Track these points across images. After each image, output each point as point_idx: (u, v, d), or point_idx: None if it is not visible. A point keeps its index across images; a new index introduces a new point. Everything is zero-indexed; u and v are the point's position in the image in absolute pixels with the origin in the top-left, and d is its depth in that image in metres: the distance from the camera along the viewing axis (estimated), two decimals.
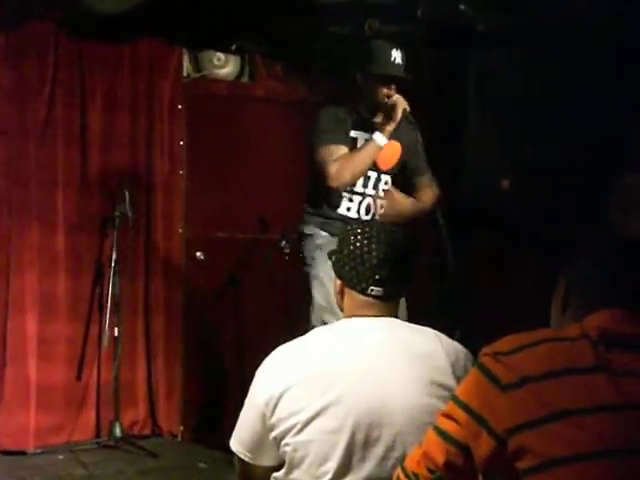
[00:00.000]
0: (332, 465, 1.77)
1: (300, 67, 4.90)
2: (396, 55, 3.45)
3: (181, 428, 4.58)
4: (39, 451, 4.17)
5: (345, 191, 3.51)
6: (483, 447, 1.38)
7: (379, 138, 3.45)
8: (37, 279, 4.21)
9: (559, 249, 1.62)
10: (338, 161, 3.41)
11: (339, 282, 1.97)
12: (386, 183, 3.62)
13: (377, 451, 1.77)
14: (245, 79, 4.95)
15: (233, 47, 4.78)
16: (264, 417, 1.83)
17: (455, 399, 1.45)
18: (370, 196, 3.58)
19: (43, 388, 4.21)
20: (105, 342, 4.16)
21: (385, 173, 3.61)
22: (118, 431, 4.24)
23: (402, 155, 3.60)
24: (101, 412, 4.39)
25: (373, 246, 1.90)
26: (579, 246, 1.55)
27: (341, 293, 1.97)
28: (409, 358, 1.83)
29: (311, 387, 1.79)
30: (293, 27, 4.29)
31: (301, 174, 4.93)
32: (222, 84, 4.85)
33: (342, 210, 3.54)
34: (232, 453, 1.96)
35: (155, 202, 4.58)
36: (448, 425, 1.44)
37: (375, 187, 3.59)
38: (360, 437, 1.77)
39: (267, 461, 1.89)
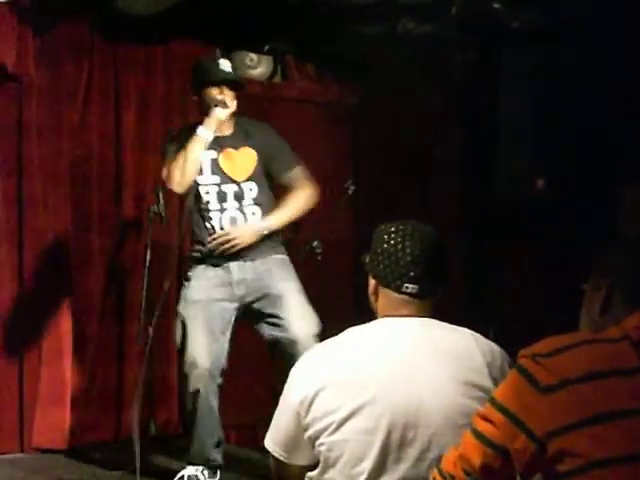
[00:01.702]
0: (367, 465, 1.77)
1: (332, 68, 4.91)
2: (223, 65, 3.59)
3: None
4: (75, 450, 4.21)
5: (204, 211, 3.59)
6: (521, 450, 1.36)
7: (200, 130, 3.47)
8: (72, 278, 4.25)
9: (592, 250, 1.59)
10: (167, 164, 3.52)
11: (373, 282, 1.96)
12: (251, 190, 3.61)
13: (412, 452, 1.76)
14: (277, 79, 4.96)
15: (266, 48, 4.79)
16: (299, 416, 1.83)
17: (493, 401, 1.44)
18: (233, 209, 3.60)
19: (78, 387, 4.26)
20: (139, 341, 4.19)
21: (246, 182, 3.61)
22: (153, 429, 4.27)
23: (259, 160, 3.62)
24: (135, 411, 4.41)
25: (407, 243, 1.88)
26: (620, 247, 1.53)
27: (375, 293, 1.96)
28: (444, 358, 1.82)
29: (346, 387, 1.79)
30: (325, 28, 4.29)
31: (334, 174, 4.95)
32: (255, 85, 4.85)
33: (205, 231, 3.61)
34: (267, 451, 1.96)
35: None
36: (485, 427, 1.43)
37: (238, 199, 3.60)
38: (395, 437, 1.76)
39: (302, 460, 1.89)
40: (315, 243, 4.52)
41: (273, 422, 1.94)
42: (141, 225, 4.41)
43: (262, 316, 3.62)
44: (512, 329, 3.85)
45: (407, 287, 1.88)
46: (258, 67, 4.86)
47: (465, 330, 1.90)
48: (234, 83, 3.61)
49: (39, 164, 4.19)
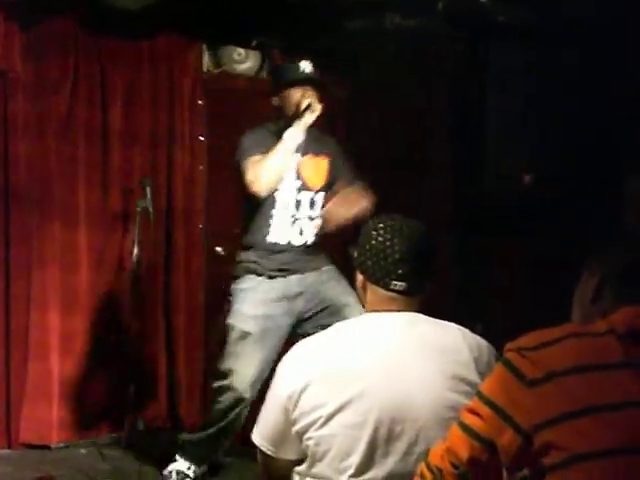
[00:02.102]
0: (355, 459, 1.77)
1: (320, 63, 4.90)
2: (304, 66, 3.50)
3: (202, 422, 4.59)
4: (62, 445, 4.21)
5: (274, 217, 3.45)
6: (508, 443, 1.37)
7: (288, 134, 3.38)
8: (59, 274, 4.24)
9: (580, 245, 1.60)
10: (252, 166, 3.37)
11: (361, 277, 1.96)
12: (319, 201, 3.54)
13: (400, 446, 1.77)
14: (265, 74, 4.95)
15: (253, 42, 4.78)
16: (287, 411, 1.84)
17: (480, 395, 1.45)
18: (305, 218, 3.51)
19: (66, 383, 4.25)
20: (127, 336, 4.19)
21: (319, 192, 3.53)
22: (140, 425, 4.27)
23: (331, 170, 3.55)
24: (123, 406, 4.41)
25: (396, 240, 1.89)
26: (618, 237, 1.55)
27: (363, 288, 1.96)
28: (432, 353, 1.83)
29: (334, 381, 1.80)
30: (312, 23, 4.29)
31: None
32: (242, 79, 4.85)
33: (272, 238, 3.47)
34: (254, 446, 1.96)
35: (176, 197, 4.60)
36: (473, 421, 1.44)
37: (310, 209, 3.52)
38: (383, 432, 1.77)
39: (290, 455, 1.90)
40: None
41: (261, 416, 1.94)
42: (129, 219, 4.40)
43: (319, 326, 3.29)
44: (500, 325, 3.86)
45: (395, 284, 1.88)
46: (245, 62, 4.85)
47: (452, 325, 1.92)
48: (316, 83, 3.50)
49: (25, 159, 4.17)
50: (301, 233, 3.50)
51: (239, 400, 3.44)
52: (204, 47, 4.74)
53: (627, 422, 1.32)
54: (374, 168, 5.04)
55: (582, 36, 3.85)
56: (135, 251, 4.23)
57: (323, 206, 3.57)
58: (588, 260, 1.54)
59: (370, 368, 1.80)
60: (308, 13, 4.16)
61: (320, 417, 1.78)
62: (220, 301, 4.66)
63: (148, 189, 4.24)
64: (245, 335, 3.42)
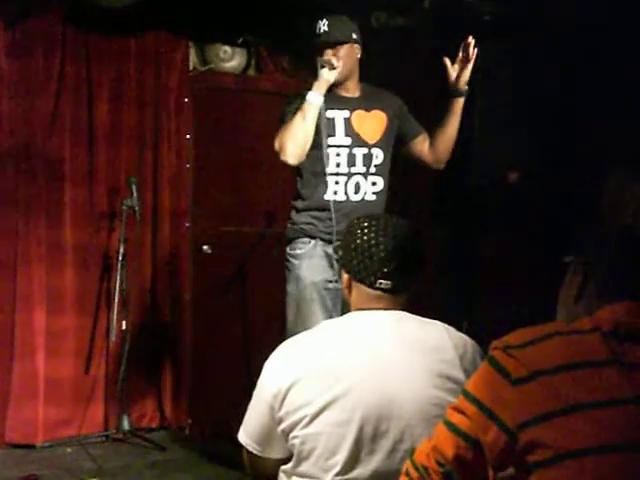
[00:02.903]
0: (340, 458, 1.77)
1: (306, 60, 4.89)
2: (319, 26, 3.40)
3: (189, 421, 4.60)
4: (48, 444, 4.19)
5: (329, 175, 3.37)
6: (493, 441, 1.37)
7: (309, 95, 3.31)
8: (44, 273, 4.22)
9: (565, 243, 1.60)
10: (280, 134, 3.31)
11: (346, 276, 1.96)
12: (377, 157, 3.44)
13: (385, 444, 1.77)
14: (251, 72, 4.95)
15: (239, 40, 4.77)
16: (272, 410, 1.83)
17: (465, 393, 1.45)
18: (359, 174, 3.41)
19: (51, 382, 4.23)
20: (113, 336, 4.18)
21: (374, 147, 3.44)
22: (126, 424, 4.26)
23: (389, 124, 3.47)
24: (109, 405, 4.40)
25: (381, 239, 1.89)
26: (598, 237, 1.54)
27: (349, 287, 1.96)
28: (417, 351, 1.83)
29: (319, 380, 1.79)
30: (298, 20, 4.28)
31: None
32: (228, 77, 4.85)
33: (329, 195, 3.37)
34: (241, 446, 1.96)
35: (162, 196, 4.59)
36: (458, 419, 1.44)
37: (366, 164, 3.41)
38: (368, 430, 1.77)
39: (275, 453, 1.89)
40: None
41: (247, 415, 1.94)
42: (114, 218, 4.39)
43: None
44: (485, 323, 3.87)
45: (380, 283, 1.88)
46: (232, 60, 4.84)
47: (437, 323, 1.92)
48: (330, 44, 3.38)
49: (11, 156, 4.15)
50: (357, 190, 3.40)
51: None
52: (190, 45, 4.73)
53: (613, 419, 1.32)
54: None
55: (568, 34, 3.86)
56: (121, 250, 4.22)
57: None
58: (571, 259, 1.54)
59: (356, 366, 1.80)
60: (294, 11, 4.16)
61: (306, 415, 1.78)
62: (206, 300, 4.69)
63: (134, 188, 4.23)
64: (305, 303, 3.33)
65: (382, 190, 3.45)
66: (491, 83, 4.01)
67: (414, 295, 1.95)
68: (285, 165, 3.40)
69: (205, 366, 4.70)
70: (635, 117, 3.60)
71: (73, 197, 4.33)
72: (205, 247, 4.70)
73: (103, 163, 4.42)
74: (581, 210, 3.65)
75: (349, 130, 3.41)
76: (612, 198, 3.30)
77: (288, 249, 3.44)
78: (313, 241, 3.38)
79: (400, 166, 4.06)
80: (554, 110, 4.02)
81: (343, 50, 3.39)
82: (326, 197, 3.38)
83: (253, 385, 1.93)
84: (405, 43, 4.27)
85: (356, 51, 3.45)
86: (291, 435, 1.81)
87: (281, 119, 3.39)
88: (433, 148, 3.52)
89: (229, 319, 4.78)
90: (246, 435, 1.93)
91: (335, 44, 3.39)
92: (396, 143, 3.51)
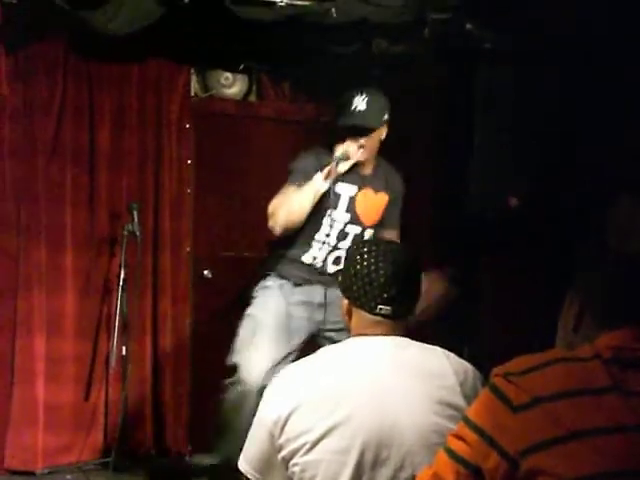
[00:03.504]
0: None
1: (307, 87, 4.93)
2: (355, 102, 3.32)
3: (189, 448, 4.57)
4: (47, 471, 4.16)
5: (317, 241, 3.41)
6: (494, 468, 1.36)
7: (317, 178, 3.30)
8: (45, 298, 4.21)
9: (566, 268, 1.61)
10: (276, 199, 3.33)
11: (346, 302, 1.96)
12: (369, 236, 3.46)
13: (386, 471, 1.77)
14: (252, 98, 4.97)
15: (241, 67, 4.80)
16: (272, 437, 1.83)
17: (466, 420, 1.44)
18: (345, 250, 3.41)
19: (51, 408, 4.20)
20: (113, 361, 4.16)
21: (369, 228, 3.46)
22: (126, 451, 4.23)
23: (387, 207, 3.48)
24: (109, 432, 4.37)
25: (381, 264, 1.90)
26: (592, 264, 1.55)
27: (349, 313, 1.96)
28: (418, 377, 1.83)
29: (319, 407, 1.79)
30: (300, 47, 4.31)
31: None
32: (230, 103, 4.87)
33: (307, 258, 3.44)
34: (241, 473, 1.95)
35: (163, 221, 4.59)
36: (458, 446, 1.43)
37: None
38: (369, 457, 1.76)
39: None
40: None
41: (247, 443, 1.93)
42: (115, 243, 4.39)
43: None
44: (486, 348, 3.86)
45: (381, 309, 1.89)
46: (233, 86, 4.87)
47: (438, 349, 1.91)
48: (365, 129, 3.34)
49: (12, 182, 4.16)
50: (337, 263, 3.42)
51: (246, 393, 3.30)
52: (192, 71, 4.75)
53: (614, 447, 1.31)
54: None
55: (568, 62, 3.89)
56: (122, 275, 4.22)
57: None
58: (569, 289, 1.55)
59: (356, 393, 1.80)
60: (295, 38, 4.19)
61: (306, 443, 1.77)
62: (207, 325, 4.68)
63: (135, 213, 4.24)
64: (262, 325, 3.35)
65: None
66: (490, 110, 4.03)
67: (414, 321, 1.96)
68: (275, 193, 3.41)
69: (205, 392, 4.67)
70: (637, 142, 3.62)
71: (74, 222, 4.33)
72: (206, 272, 4.70)
73: (104, 188, 4.43)
74: (582, 235, 3.65)
75: (351, 207, 3.43)
76: (621, 223, 3.31)
77: (257, 286, 3.50)
78: (283, 281, 3.45)
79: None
80: (554, 136, 4.04)
81: (375, 134, 3.37)
82: (304, 258, 3.44)
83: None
84: (405, 70, 4.30)
85: (384, 132, 3.43)
86: (291, 462, 1.80)
87: (288, 175, 3.40)
88: None
89: (230, 344, 4.76)
90: (246, 462, 1.92)
91: (370, 130, 3.34)
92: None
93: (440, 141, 4.14)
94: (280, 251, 3.50)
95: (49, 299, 4.23)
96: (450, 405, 1.79)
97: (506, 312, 4.25)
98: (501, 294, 4.33)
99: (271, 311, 3.40)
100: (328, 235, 3.42)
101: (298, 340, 3.43)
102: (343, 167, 3.34)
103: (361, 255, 1.93)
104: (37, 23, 4.05)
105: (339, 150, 3.33)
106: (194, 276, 4.70)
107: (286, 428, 1.80)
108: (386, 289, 1.88)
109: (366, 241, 2.00)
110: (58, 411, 4.24)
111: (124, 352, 4.23)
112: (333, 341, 3.34)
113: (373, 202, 3.48)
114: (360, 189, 3.45)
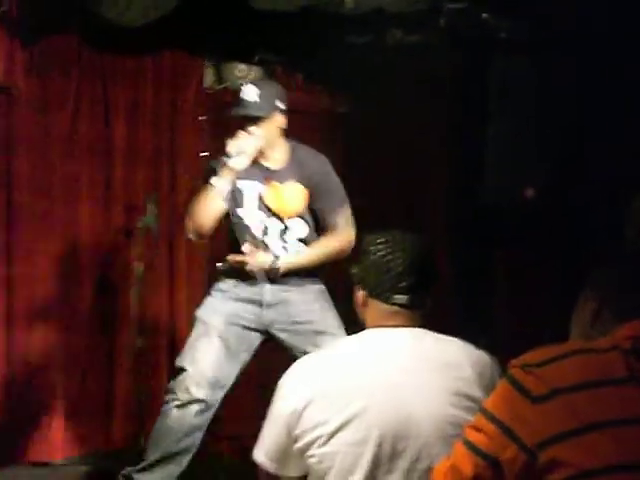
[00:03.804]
0: (358, 477, 1.76)
1: (321, 78, 4.92)
2: (245, 94, 3.31)
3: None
4: (66, 462, 4.19)
5: (246, 246, 3.34)
6: (513, 460, 1.36)
7: (214, 181, 3.25)
8: (62, 291, 4.23)
9: (582, 260, 1.60)
10: (190, 204, 3.33)
11: (361, 293, 1.95)
12: (297, 227, 3.37)
13: (403, 463, 1.76)
14: None
15: (255, 58, 4.79)
16: (288, 428, 1.82)
17: (484, 411, 1.43)
18: (280, 247, 3.36)
19: (69, 399, 4.23)
20: (130, 353, 4.18)
21: (291, 220, 3.37)
22: (143, 442, 4.24)
23: (307, 195, 3.36)
24: (127, 423, 4.39)
25: (397, 254, 1.89)
26: (610, 259, 1.54)
27: (364, 304, 1.95)
28: (434, 368, 1.82)
29: (336, 398, 1.78)
30: (314, 38, 4.30)
31: None
32: None
33: (248, 265, 3.36)
34: (255, 464, 1.95)
35: (178, 214, 4.59)
36: (476, 437, 1.42)
37: (282, 237, 3.37)
38: (386, 449, 1.75)
39: (292, 472, 1.88)
40: None
41: (262, 434, 1.93)
42: (131, 236, 4.39)
43: (289, 347, 3.36)
44: (503, 339, 3.85)
45: (397, 298, 1.88)
46: (247, 77, 4.86)
47: (455, 340, 1.90)
48: (254, 117, 3.30)
49: (28, 176, 4.18)
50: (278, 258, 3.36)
51: (192, 401, 3.27)
52: (206, 63, 4.75)
53: (634, 437, 1.30)
54: (374, 182, 5.05)
55: (584, 51, 3.86)
56: (138, 268, 4.22)
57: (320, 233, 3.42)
58: (584, 285, 1.54)
59: (373, 384, 1.79)
60: (309, 29, 4.17)
61: (323, 434, 1.77)
62: None
63: (151, 206, 4.23)
64: (208, 328, 3.33)
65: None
66: (506, 100, 4.01)
67: (430, 311, 1.95)
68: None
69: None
70: None
71: (90, 215, 4.34)
72: (219, 264, 4.69)
73: (120, 181, 4.44)
74: (597, 224, 3.63)
75: (261, 204, 3.36)
76: (638, 220, 3.28)
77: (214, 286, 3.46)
78: (234, 280, 3.39)
79: (414, 184, 4.08)
80: (570, 127, 4.01)
81: (267, 123, 3.31)
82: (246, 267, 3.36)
83: (267, 402, 1.92)
84: (419, 60, 4.28)
85: (280, 120, 3.37)
86: (308, 454, 1.80)
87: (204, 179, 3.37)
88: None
89: None
90: (262, 453, 1.92)
91: (259, 119, 3.29)
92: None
93: (455, 131, 4.12)
94: (232, 250, 3.46)
95: (66, 292, 4.24)
96: (467, 397, 1.78)
97: (520, 304, 4.24)
98: (515, 287, 4.32)
99: (216, 315, 3.36)
100: (254, 237, 3.36)
101: (251, 345, 3.39)
102: (240, 163, 3.25)
103: (376, 245, 1.92)
104: (51, 16, 4.05)
105: (231, 146, 3.26)
106: (209, 269, 4.70)
107: (302, 419, 1.79)
108: (402, 278, 1.87)
109: (380, 231, 1.98)
110: (76, 402, 4.26)
111: (140, 344, 4.23)
112: (285, 343, 3.36)
113: (285, 193, 3.38)
114: (266, 183, 3.36)
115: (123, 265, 4.43)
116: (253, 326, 3.38)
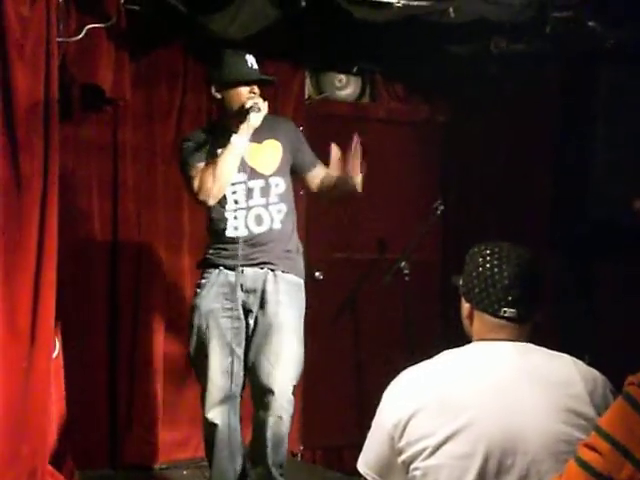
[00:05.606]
0: None
1: (421, 87, 4.90)
2: (251, 62, 3.45)
3: (301, 448, 4.60)
4: (165, 466, 4.28)
5: (229, 211, 3.38)
6: (628, 479, 1.32)
7: (235, 139, 3.30)
8: (165, 297, 4.34)
9: None
10: (198, 174, 3.32)
11: (467, 305, 1.93)
12: (277, 185, 3.44)
13: (510, 479, 1.72)
14: (366, 100, 4.98)
15: (354, 68, 4.81)
16: (392, 440, 1.81)
17: (598, 429, 1.40)
18: (259, 206, 3.40)
19: (169, 404, 4.32)
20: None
21: (272, 177, 3.43)
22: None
23: (284, 152, 3.47)
24: None
25: (504, 266, 1.85)
26: None
27: (470, 317, 1.93)
28: (544, 384, 1.78)
29: (441, 411, 1.76)
30: (415, 47, 4.28)
31: (422, 194, 4.92)
32: (343, 105, 4.90)
33: (230, 232, 3.39)
34: (352, 474, 1.94)
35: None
36: (590, 456, 1.39)
37: (264, 195, 3.41)
38: (493, 464, 1.72)
39: None
40: (402, 264, 4.51)
41: (366, 445, 1.92)
42: None
43: (252, 343, 3.43)
44: (608, 356, 3.73)
45: (505, 311, 1.84)
46: (347, 88, 4.89)
47: (565, 356, 1.86)
48: (267, 82, 3.52)
49: (134, 186, 4.30)
50: (259, 222, 3.40)
51: (214, 403, 3.39)
52: (307, 74, 4.80)
53: None
54: (474, 192, 4.99)
55: None
56: None
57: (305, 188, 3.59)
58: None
59: (479, 398, 1.76)
60: (410, 38, 4.16)
61: (427, 447, 1.75)
62: (319, 324, 4.70)
63: None
64: (204, 331, 3.38)
65: (287, 214, 3.46)
66: (614, 109, 3.90)
67: (538, 326, 1.91)
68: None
69: (317, 392, 4.70)
70: None
71: (192, 224, 4.42)
72: (317, 273, 4.73)
73: None
74: None
75: (242, 166, 3.38)
76: None
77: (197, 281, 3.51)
78: (217, 270, 3.41)
79: (515, 196, 3.99)
80: None
81: (263, 92, 3.44)
82: (227, 233, 3.40)
83: (364, 412, 1.91)
84: (525, 69, 4.21)
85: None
86: (412, 466, 1.78)
87: (185, 159, 3.41)
88: (320, 189, 3.58)
89: (340, 344, 4.79)
90: (365, 465, 1.91)
91: (266, 83, 3.49)
92: (290, 172, 3.52)
93: (561, 140, 4.02)
94: (209, 238, 3.51)
95: (168, 298, 4.34)
96: (578, 414, 1.73)
97: (629, 317, 4.10)
98: (623, 298, 4.18)
99: (207, 315, 3.39)
100: (237, 202, 3.40)
101: (242, 331, 3.41)
102: (256, 119, 3.33)
103: (483, 257, 1.89)
104: (159, 29, 4.16)
105: (249, 103, 3.33)
106: (306, 277, 4.73)
107: (406, 431, 1.78)
108: (510, 291, 1.84)
109: (488, 243, 1.95)
110: (175, 407, 4.35)
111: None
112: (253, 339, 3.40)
113: (264, 151, 3.46)
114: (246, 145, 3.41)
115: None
116: (237, 313, 3.40)
